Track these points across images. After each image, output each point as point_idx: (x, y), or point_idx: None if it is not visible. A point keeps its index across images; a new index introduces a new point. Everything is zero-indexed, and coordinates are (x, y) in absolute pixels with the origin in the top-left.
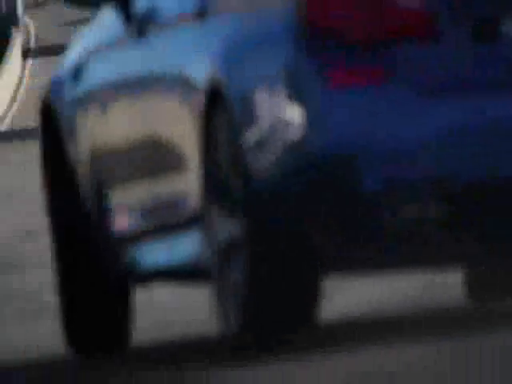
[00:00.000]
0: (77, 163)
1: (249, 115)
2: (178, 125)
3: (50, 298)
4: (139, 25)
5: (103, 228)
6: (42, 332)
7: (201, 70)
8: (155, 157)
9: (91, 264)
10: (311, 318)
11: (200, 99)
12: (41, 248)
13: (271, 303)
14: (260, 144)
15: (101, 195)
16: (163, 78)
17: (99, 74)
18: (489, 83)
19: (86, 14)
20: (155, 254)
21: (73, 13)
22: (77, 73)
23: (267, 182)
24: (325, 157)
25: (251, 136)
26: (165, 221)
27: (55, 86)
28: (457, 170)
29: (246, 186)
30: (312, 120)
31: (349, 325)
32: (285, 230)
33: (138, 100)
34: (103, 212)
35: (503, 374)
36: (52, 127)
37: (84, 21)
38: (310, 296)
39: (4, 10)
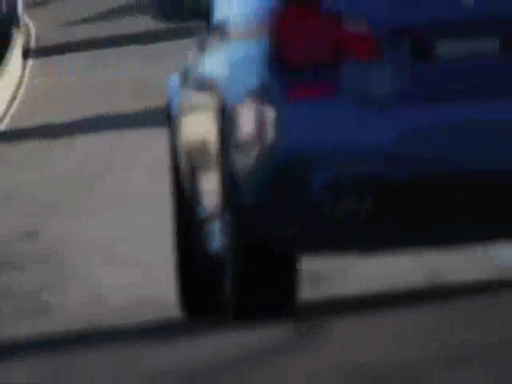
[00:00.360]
0: (180, 157)
1: (234, 127)
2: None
3: (49, 298)
4: (218, 35)
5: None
6: (42, 331)
7: (219, 84)
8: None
9: (200, 244)
10: (289, 303)
11: (217, 110)
12: (40, 248)
13: (253, 294)
14: (241, 150)
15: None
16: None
17: (193, 78)
18: (424, 96)
19: (86, 14)
20: None
21: (73, 13)
22: (184, 78)
23: (245, 184)
24: (286, 159)
25: (235, 145)
26: None
27: (170, 92)
28: (389, 170)
29: (230, 189)
30: (276, 129)
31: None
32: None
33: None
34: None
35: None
36: (170, 129)
37: (84, 21)
38: (287, 284)
39: (4, 10)
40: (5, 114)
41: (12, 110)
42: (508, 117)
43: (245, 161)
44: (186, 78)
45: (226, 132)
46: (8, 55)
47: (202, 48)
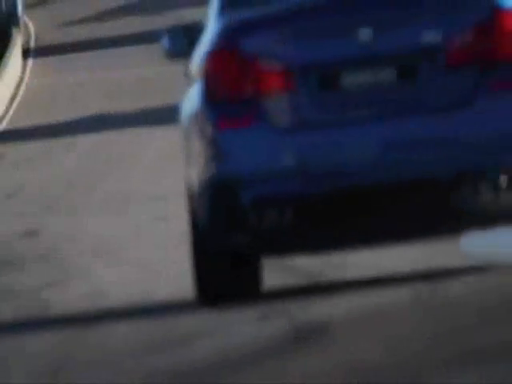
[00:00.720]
0: None
1: (187, 148)
2: None
3: (49, 297)
4: None
5: None
6: (42, 330)
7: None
8: None
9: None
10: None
11: (181, 134)
12: (40, 247)
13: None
14: (190, 166)
15: None
16: None
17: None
18: (330, 121)
19: (86, 14)
20: None
21: (72, 13)
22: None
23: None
24: (217, 181)
25: (187, 162)
26: None
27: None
28: (301, 186)
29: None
30: (209, 154)
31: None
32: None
33: None
34: None
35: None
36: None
37: (84, 21)
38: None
39: (4, 9)
40: (5, 114)
41: (12, 110)
42: (403, 135)
43: (193, 180)
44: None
45: (185, 151)
46: (8, 55)
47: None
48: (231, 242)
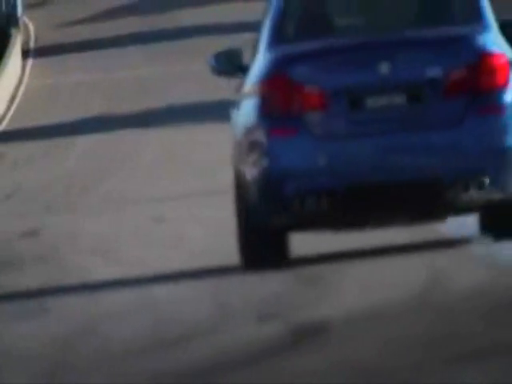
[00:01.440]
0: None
1: (241, 152)
2: None
3: (49, 297)
4: None
5: None
6: (41, 330)
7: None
8: None
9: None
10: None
11: (233, 137)
12: (39, 247)
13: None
14: (244, 165)
15: None
16: None
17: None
18: (357, 133)
19: (86, 14)
20: None
21: (72, 13)
22: None
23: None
24: (269, 176)
25: (242, 163)
26: None
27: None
28: (332, 182)
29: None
30: (264, 154)
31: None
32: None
33: None
34: None
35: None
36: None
37: (83, 21)
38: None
39: (4, 10)
40: (4, 114)
41: (12, 110)
42: (411, 145)
43: (251, 171)
44: None
45: (237, 151)
46: (7, 55)
47: (239, 97)
48: (276, 221)
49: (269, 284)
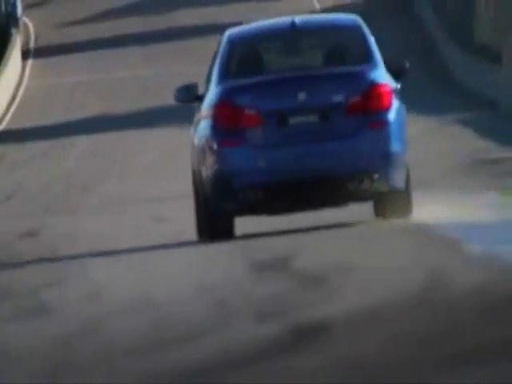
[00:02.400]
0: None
1: (199, 157)
2: None
3: (49, 297)
4: None
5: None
6: (41, 330)
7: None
8: None
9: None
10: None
11: (192, 147)
12: (39, 247)
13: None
14: (202, 169)
15: None
16: None
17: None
18: (281, 144)
19: (86, 14)
20: None
21: (73, 13)
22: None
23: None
24: (220, 176)
25: (200, 165)
26: None
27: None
28: (265, 178)
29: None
30: (216, 161)
31: None
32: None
33: None
34: None
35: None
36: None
37: (83, 21)
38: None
39: (3, 10)
40: (4, 115)
41: (12, 111)
42: (322, 151)
43: (206, 173)
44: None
45: (196, 157)
46: (7, 56)
47: (197, 118)
48: (225, 209)
49: (269, 284)
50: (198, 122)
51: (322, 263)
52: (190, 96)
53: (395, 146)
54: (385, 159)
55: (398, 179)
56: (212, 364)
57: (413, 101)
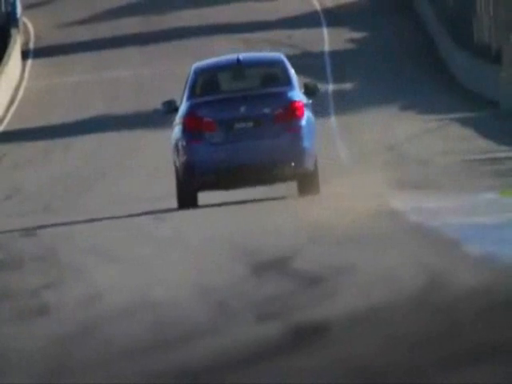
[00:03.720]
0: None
1: (176, 152)
2: None
3: (48, 297)
4: None
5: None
6: (41, 331)
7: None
8: None
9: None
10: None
11: (172, 147)
12: (38, 247)
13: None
14: (178, 159)
15: None
16: None
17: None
18: (229, 142)
19: (86, 14)
20: None
21: (73, 13)
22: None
23: (181, 171)
24: (188, 165)
25: (176, 157)
26: None
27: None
28: (218, 166)
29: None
30: (184, 154)
31: None
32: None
33: None
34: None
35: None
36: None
37: (83, 21)
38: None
39: (3, 10)
40: (4, 115)
41: (11, 111)
42: (255, 147)
43: (179, 162)
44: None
45: (173, 152)
46: (7, 56)
47: (174, 124)
48: (192, 186)
49: (269, 284)
50: (174, 127)
51: (321, 264)
52: (170, 109)
53: (306, 143)
54: (298, 152)
55: (308, 165)
56: (212, 364)
57: (413, 100)
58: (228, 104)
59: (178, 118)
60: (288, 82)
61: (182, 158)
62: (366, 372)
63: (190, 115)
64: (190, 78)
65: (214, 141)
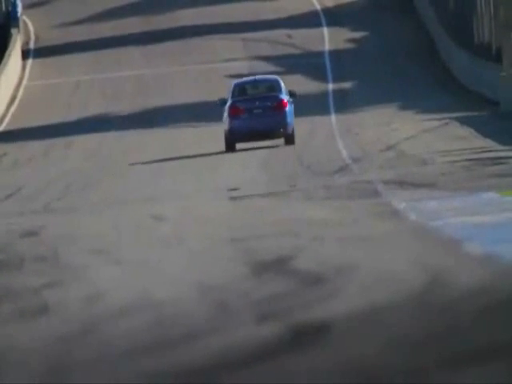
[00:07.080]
0: None
1: (225, 120)
2: None
3: (48, 297)
4: None
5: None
6: (42, 331)
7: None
8: None
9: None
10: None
11: (224, 118)
12: (39, 247)
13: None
14: (227, 128)
15: None
16: None
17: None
18: (251, 119)
19: (86, 14)
20: None
21: (73, 13)
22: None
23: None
24: (231, 130)
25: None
26: None
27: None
28: (243, 129)
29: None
30: (230, 124)
31: None
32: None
33: None
34: None
35: None
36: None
37: (84, 21)
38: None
39: (3, 10)
40: (5, 114)
41: (12, 110)
42: (264, 120)
43: (227, 129)
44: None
45: (224, 122)
46: (7, 56)
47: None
48: (233, 140)
49: (269, 284)
50: (224, 112)
51: (322, 264)
52: (223, 103)
53: (288, 120)
54: (285, 124)
55: (289, 131)
56: (212, 364)
57: (413, 100)
58: (250, 101)
59: (227, 107)
60: (280, 90)
61: (228, 127)
62: (366, 372)
63: (232, 105)
64: (232, 88)
65: (243, 118)
